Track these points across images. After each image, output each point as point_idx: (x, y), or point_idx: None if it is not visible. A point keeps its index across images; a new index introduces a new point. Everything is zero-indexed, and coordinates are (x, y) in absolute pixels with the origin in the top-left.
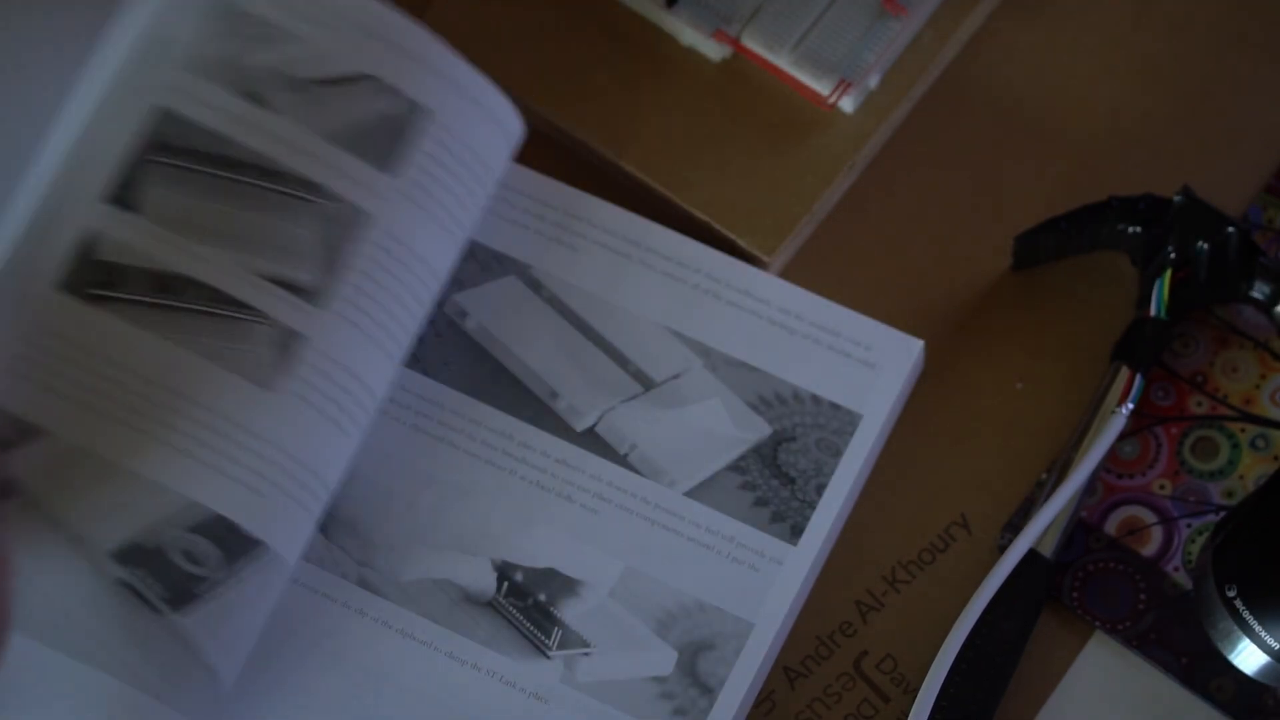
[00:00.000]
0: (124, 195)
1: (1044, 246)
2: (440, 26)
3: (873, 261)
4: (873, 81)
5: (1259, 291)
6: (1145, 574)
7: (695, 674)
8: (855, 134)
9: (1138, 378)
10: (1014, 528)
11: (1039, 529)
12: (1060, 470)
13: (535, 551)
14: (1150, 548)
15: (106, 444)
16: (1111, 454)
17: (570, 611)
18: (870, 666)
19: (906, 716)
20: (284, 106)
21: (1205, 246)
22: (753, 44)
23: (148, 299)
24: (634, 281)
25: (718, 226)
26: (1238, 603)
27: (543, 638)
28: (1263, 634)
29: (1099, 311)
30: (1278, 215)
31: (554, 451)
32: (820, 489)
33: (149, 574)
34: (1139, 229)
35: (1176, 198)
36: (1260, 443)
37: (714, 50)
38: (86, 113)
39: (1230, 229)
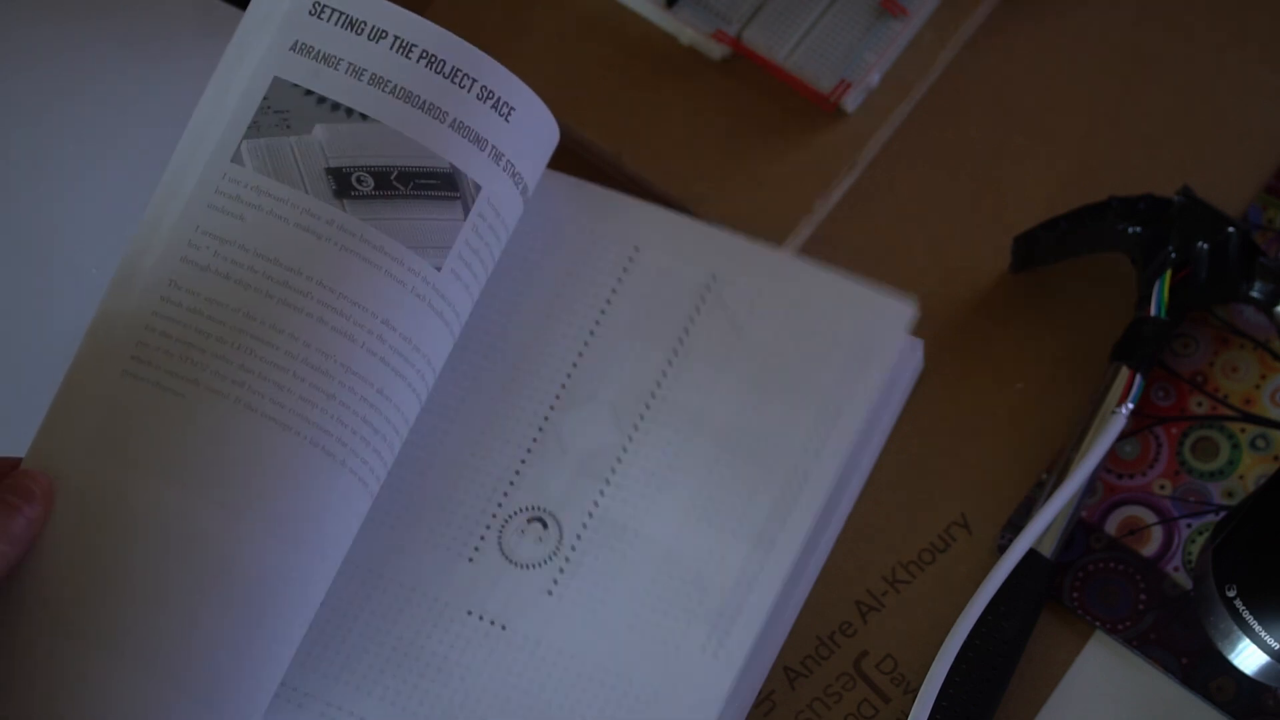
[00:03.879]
0: None
1: (1044, 247)
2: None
3: (873, 261)
4: (873, 81)
5: (1259, 291)
6: (1145, 574)
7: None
8: (855, 134)
9: (1138, 378)
10: (1014, 528)
11: (1039, 529)
12: (1060, 470)
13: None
14: (1150, 548)
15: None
16: (1111, 454)
17: None
18: (870, 666)
19: (906, 716)
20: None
21: (1205, 246)
22: (753, 44)
23: None
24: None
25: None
26: (1238, 603)
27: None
28: (1263, 634)
29: (1099, 311)
30: (1278, 215)
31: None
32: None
33: None
34: (1139, 229)
35: (1176, 198)
36: (1260, 443)
37: (714, 50)
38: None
39: (1230, 229)
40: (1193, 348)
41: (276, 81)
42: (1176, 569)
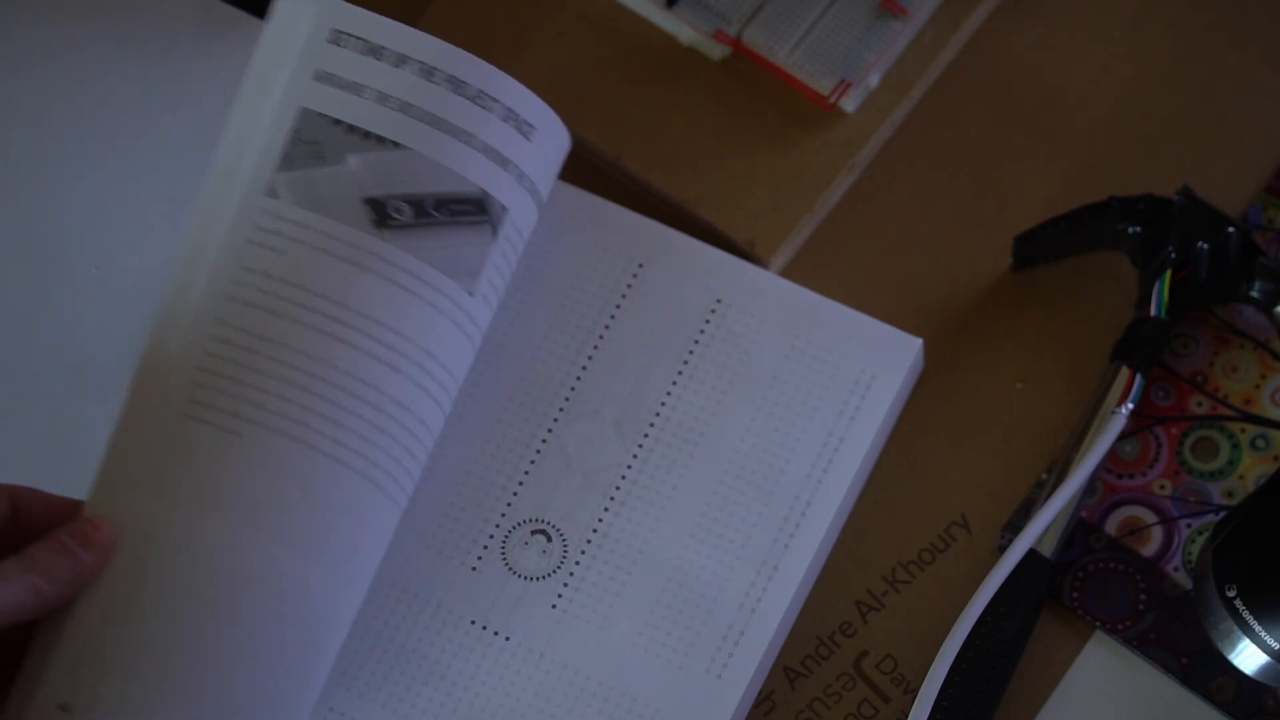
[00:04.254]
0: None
1: (1044, 246)
2: (438, 28)
3: (873, 261)
4: (873, 81)
5: (1259, 291)
6: (1145, 574)
7: None
8: (855, 134)
9: (1138, 378)
10: (1014, 528)
11: (1039, 529)
12: (1060, 470)
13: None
14: (1150, 548)
15: None
16: (1111, 454)
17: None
18: (870, 666)
19: (906, 716)
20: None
21: (1205, 246)
22: (753, 44)
23: None
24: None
25: (718, 226)
26: (1238, 603)
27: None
28: (1263, 634)
29: (1099, 311)
30: (1278, 215)
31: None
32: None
33: None
34: (1139, 229)
35: (1176, 198)
36: (1260, 443)
37: (714, 50)
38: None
39: (1230, 229)
40: (1193, 348)
41: (304, 112)
42: (1176, 569)
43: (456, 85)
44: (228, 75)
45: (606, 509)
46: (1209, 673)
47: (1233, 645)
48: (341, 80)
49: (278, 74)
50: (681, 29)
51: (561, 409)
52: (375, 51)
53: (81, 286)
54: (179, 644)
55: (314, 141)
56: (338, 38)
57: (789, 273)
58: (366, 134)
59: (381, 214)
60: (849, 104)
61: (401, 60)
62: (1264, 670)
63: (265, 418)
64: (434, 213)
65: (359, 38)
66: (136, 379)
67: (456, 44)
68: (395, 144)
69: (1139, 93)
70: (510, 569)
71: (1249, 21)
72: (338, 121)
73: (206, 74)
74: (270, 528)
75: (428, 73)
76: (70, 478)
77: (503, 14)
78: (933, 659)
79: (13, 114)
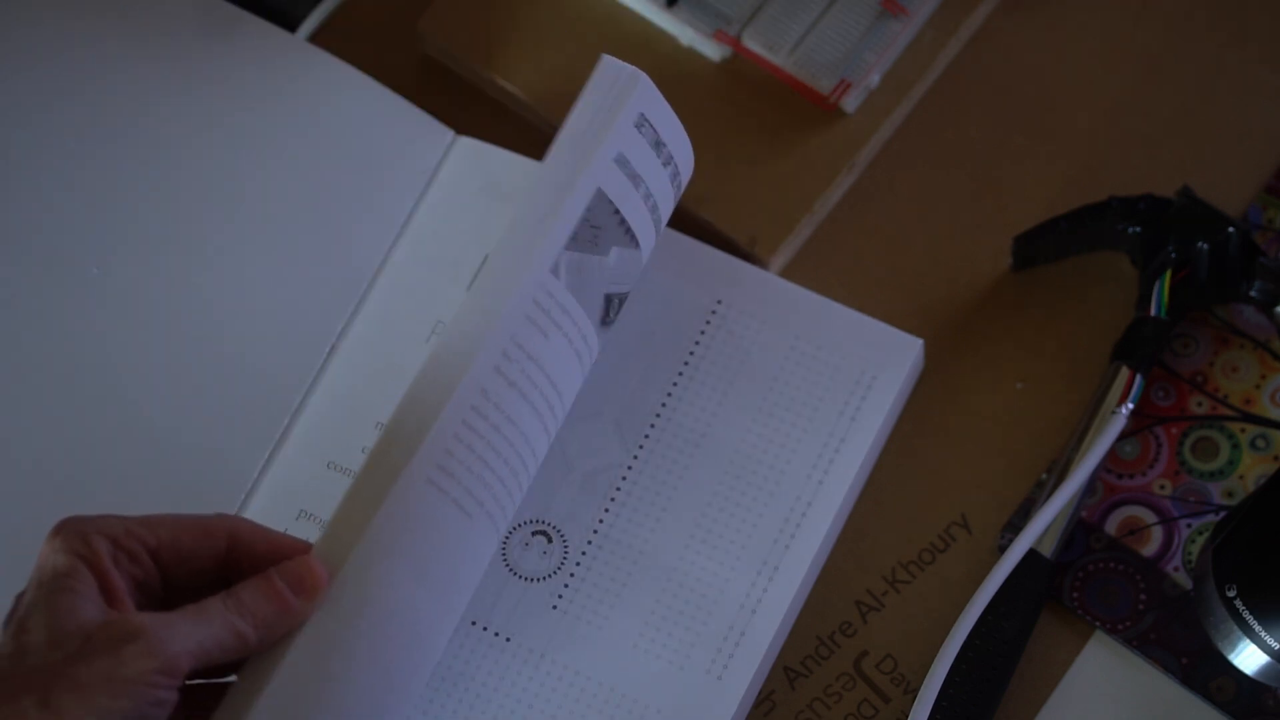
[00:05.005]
0: None
1: (1044, 246)
2: (438, 27)
3: (873, 261)
4: (873, 81)
5: (1259, 291)
6: (1145, 574)
7: None
8: (855, 134)
9: (1138, 378)
10: (1014, 528)
11: (1039, 529)
12: (1060, 470)
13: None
14: (1150, 548)
15: None
16: (1111, 454)
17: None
18: (870, 666)
19: (906, 716)
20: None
21: (1205, 246)
22: (753, 44)
23: None
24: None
25: (718, 226)
26: (1238, 603)
27: None
28: (1263, 634)
29: (1099, 311)
30: (1278, 215)
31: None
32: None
33: None
34: (1139, 229)
35: (1176, 198)
36: (1260, 443)
37: (714, 50)
38: None
39: (1230, 229)
40: (1193, 348)
41: (599, 194)
42: (1176, 569)
43: (678, 191)
44: (228, 75)
45: (607, 510)
46: (1209, 673)
47: (1233, 645)
48: (630, 170)
49: (595, 137)
50: (681, 29)
51: None
52: (658, 146)
53: (81, 286)
54: (362, 706)
55: (597, 227)
56: (641, 123)
57: (789, 273)
58: (629, 230)
59: (607, 311)
60: (849, 104)
61: (669, 161)
62: (1264, 670)
63: (491, 505)
64: (620, 313)
65: (654, 128)
66: (393, 430)
67: (456, 44)
68: (637, 243)
69: (1139, 93)
70: (511, 570)
71: (1249, 21)
72: (617, 212)
73: (206, 74)
74: (453, 606)
75: (675, 179)
76: (66, 480)
77: (502, 14)
78: (933, 659)
79: (13, 114)
